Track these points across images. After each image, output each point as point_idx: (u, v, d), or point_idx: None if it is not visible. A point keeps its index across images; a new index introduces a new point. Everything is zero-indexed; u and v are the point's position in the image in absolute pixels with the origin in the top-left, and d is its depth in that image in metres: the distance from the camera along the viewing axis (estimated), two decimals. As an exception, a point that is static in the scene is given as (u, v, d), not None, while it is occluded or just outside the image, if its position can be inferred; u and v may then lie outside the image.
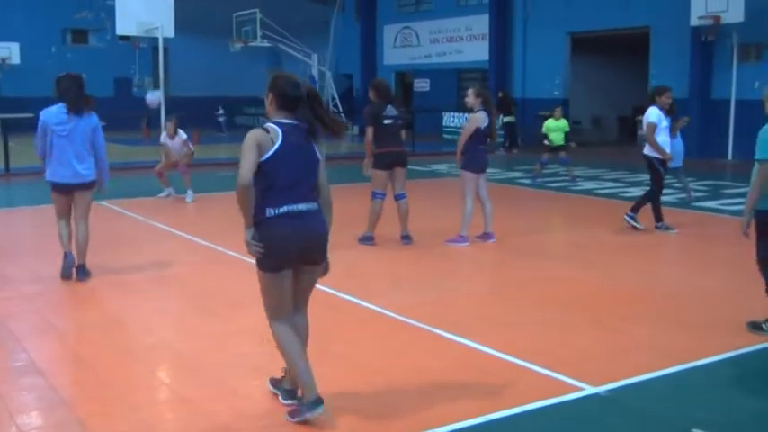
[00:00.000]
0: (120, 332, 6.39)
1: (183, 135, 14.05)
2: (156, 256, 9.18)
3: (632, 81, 27.08)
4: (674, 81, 22.51)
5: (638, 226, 10.63)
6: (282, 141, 4.37)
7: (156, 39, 20.52)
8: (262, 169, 4.32)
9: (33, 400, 5.01)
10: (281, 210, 4.37)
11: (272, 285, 4.49)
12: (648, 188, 10.93)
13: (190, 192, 13.64)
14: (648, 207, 10.68)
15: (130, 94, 33.14)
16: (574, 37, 26.39)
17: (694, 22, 21.10)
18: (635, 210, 10.78)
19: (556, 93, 26.74)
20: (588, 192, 15.15)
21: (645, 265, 9.01)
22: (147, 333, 6.39)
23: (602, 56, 27.85)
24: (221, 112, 20.82)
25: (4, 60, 30.58)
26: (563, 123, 16.69)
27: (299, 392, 4.58)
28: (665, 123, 10.55)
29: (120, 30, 20.88)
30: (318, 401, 4.41)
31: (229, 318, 6.75)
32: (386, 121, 9.55)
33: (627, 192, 14.99)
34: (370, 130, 9.57)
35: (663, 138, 10.53)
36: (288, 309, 4.56)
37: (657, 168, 10.57)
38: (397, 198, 9.82)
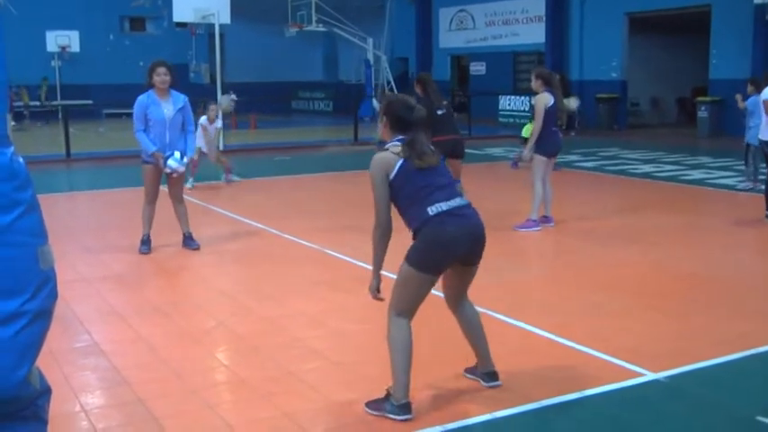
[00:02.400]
0: (179, 315, 6.48)
1: (219, 123, 14.15)
2: (212, 239, 9.27)
3: (692, 62, 26.57)
4: (735, 62, 22.10)
5: None
6: (408, 156, 4.37)
7: (213, 25, 20.67)
8: (398, 183, 4.34)
9: (96, 380, 5.10)
10: (443, 207, 4.30)
11: (419, 286, 4.39)
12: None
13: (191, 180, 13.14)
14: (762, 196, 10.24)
15: (187, 79, 33.50)
16: (631, 17, 25.94)
17: (758, 0, 20.58)
18: None
19: (613, 74, 26.37)
20: (647, 175, 14.92)
21: (705, 250, 8.85)
22: (206, 316, 6.46)
23: (660, 36, 27.34)
24: (233, 96, 20.87)
25: (63, 48, 31.08)
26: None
27: (394, 392, 4.42)
28: None
29: (177, 17, 21.08)
30: (407, 408, 4.35)
31: (284, 301, 6.79)
32: (439, 111, 9.54)
33: (687, 174, 14.74)
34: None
35: None
36: (416, 311, 4.51)
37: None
38: None
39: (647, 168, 15.86)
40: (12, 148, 2.29)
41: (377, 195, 4.39)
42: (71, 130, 19.01)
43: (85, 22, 31.99)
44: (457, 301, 4.80)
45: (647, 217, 10.64)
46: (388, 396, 4.42)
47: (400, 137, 4.45)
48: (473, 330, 4.84)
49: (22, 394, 2.35)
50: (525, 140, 15.23)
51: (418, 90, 9.82)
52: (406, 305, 4.44)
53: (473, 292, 6.84)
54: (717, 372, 5.08)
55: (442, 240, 4.28)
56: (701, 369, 5.09)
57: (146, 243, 8.58)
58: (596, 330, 5.87)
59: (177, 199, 8.74)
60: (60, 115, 19.05)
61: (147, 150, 8.29)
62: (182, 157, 8.27)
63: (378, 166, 4.38)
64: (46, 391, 2.54)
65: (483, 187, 13.48)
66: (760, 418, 4.31)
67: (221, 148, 15.01)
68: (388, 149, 4.42)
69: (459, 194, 4.48)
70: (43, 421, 2.52)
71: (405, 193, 4.34)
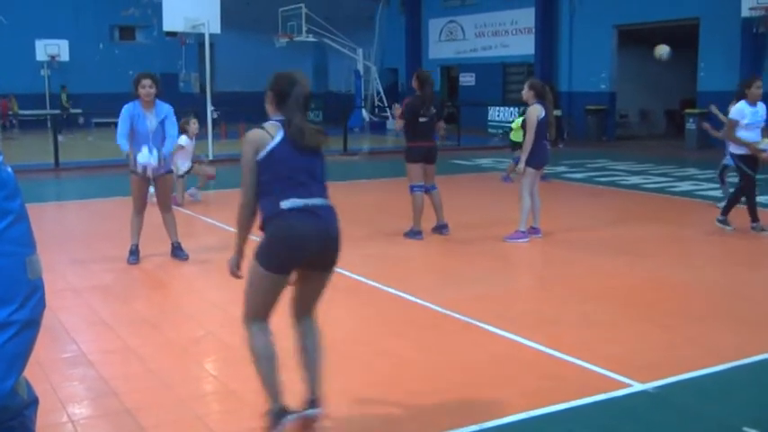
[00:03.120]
0: (167, 325, 6.46)
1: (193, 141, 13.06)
2: (201, 249, 9.26)
3: (680, 74, 26.70)
4: (723, 74, 22.22)
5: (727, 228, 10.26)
6: (283, 137, 4.10)
7: (203, 34, 20.67)
8: (263, 166, 4.07)
9: (83, 390, 5.09)
10: (298, 203, 4.05)
11: (268, 285, 4.12)
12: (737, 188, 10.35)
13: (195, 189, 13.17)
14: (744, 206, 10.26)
15: (177, 89, 33.44)
16: (620, 29, 26.09)
17: (745, 13, 20.74)
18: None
19: (602, 86, 26.50)
20: (635, 186, 14.98)
21: (692, 261, 8.89)
22: (195, 326, 6.45)
23: (649, 48, 27.30)
24: (213, 108, 20.86)
25: (53, 57, 31.02)
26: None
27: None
28: (747, 120, 9.86)
29: (167, 26, 21.06)
30: (283, 411, 4.15)
31: (275, 311, 6.77)
32: (421, 119, 9.64)
33: (675, 186, 14.81)
34: (401, 123, 9.85)
35: (747, 135, 9.91)
36: (272, 312, 4.22)
37: (743, 169, 10.01)
38: (429, 190, 9.88)
39: (635, 180, 15.92)
40: (0, 158, 2.29)
41: (243, 172, 4.12)
42: (60, 139, 18.95)
43: (75, 31, 31.94)
44: (301, 311, 4.43)
45: (636, 228, 10.68)
46: (267, 411, 4.22)
47: (280, 116, 4.17)
48: (307, 351, 4.42)
49: (10, 404, 2.35)
50: (515, 144, 15.38)
51: (415, 85, 9.87)
52: (257, 307, 4.17)
53: (461, 302, 6.87)
54: (704, 382, 5.10)
55: (287, 236, 4.03)
56: (689, 380, 5.10)
57: (134, 253, 8.57)
58: (584, 341, 5.89)
59: (165, 208, 8.73)
60: (49, 124, 18.97)
61: (123, 150, 8.32)
62: (150, 152, 8.23)
63: (249, 142, 4.11)
64: (33, 402, 2.54)
65: (472, 198, 13.52)
66: (747, 429, 4.33)
67: (210, 157, 14.89)
68: (264, 127, 4.16)
69: (324, 195, 4.21)
70: None
71: (265, 179, 4.07)
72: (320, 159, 4.26)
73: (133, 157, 8.25)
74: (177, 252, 8.75)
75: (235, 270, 4.35)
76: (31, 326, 2.33)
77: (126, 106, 8.29)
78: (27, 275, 2.30)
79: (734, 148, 10.18)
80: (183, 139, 12.38)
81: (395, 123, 10.26)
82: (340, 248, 4.27)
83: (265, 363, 4.16)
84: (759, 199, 10.36)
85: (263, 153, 4.06)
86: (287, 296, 4.31)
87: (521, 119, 15.65)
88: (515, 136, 15.79)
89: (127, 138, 8.27)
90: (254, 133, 4.13)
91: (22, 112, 29.60)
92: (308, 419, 4.32)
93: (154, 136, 8.28)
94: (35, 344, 2.37)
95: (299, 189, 4.08)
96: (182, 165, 12.41)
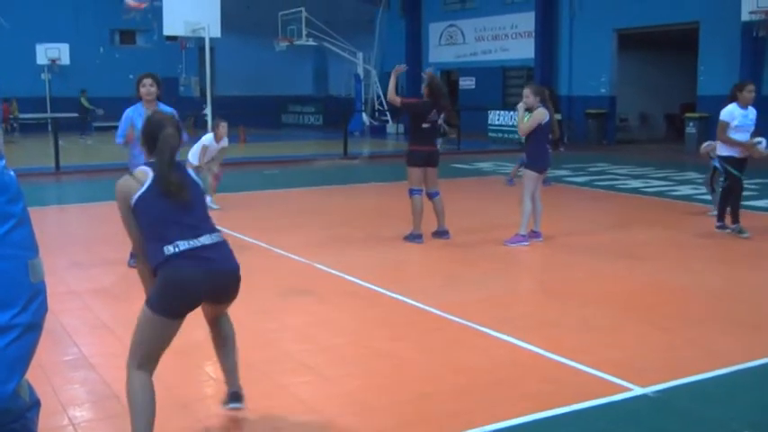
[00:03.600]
0: (168, 328, 6.45)
1: (226, 141, 12.96)
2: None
3: (680, 78, 26.76)
4: (723, 78, 22.21)
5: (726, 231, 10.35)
6: (152, 182, 3.92)
7: (203, 38, 20.71)
8: (138, 213, 3.91)
9: (85, 393, 5.09)
10: (183, 246, 3.86)
11: (159, 331, 3.95)
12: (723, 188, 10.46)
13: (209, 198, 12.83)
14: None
15: (177, 93, 33.47)
16: (620, 33, 26.13)
17: (745, 17, 20.76)
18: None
19: (602, 90, 26.53)
20: (635, 190, 14.99)
21: (692, 264, 8.89)
22: (195, 329, 6.43)
23: (649, 52, 27.53)
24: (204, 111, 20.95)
25: (53, 61, 31.09)
26: None
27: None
28: (737, 122, 9.95)
29: (167, 30, 21.11)
30: None
31: (276, 315, 6.79)
32: (424, 125, 9.70)
33: (675, 190, 14.82)
34: (398, 99, 10.09)
35: (736, 137, 10.03)
36: (157, 361, 4.05)
37: (729, 171, 10.14)
38: (432, 196, 9.89)
39: (635, 184, 15.94)
40: (3, 162, 2.30)
41: (125, 225, 4.01)
42: (60, 142, 18.98)
43: (75, 35, 32.00)
44: (213, 319, 4.52)
45: (636, 232, 10.69)
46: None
47: (151, 160, 4.05)
48: (224, 346, 4.52)
49: (12, 407, 2.35)
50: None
51: (425, 92, 9.93)
52: (145, 352, 3.97)
53: (461, 306, 6.88)
54: (705, 386, 5.10)
55: (177, 284, 3.87)
56: (690, 383, 5.10)
57: (135, 256, 8.54)
58: (584, 344, 5.89)
59: None
60: (50, 128, 19.00)
61: (118, 143, 8.35)
62: None
63: (118, 193, 3.97)
64: (35, 404, 2.55)
65: (472, 201, 13.53)
66: (747, 433, 4.34)
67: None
68: (132, 174, 4.03)
69: (212, 230, 4.05)
70: (32, 434, 2.52)
71: (144, 223, 3.91)
72: (195, 196, 4.09)
73: (132, 161, 8.23)
74: None
75: None
76: (33, 329, 2.34)
77: (126, 111, 8.30)
78: (29, 279, 2.31)
79: (721, 150, 10.27)
80: (208, 138, 12.59)
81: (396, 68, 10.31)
82: (239, 280, 4.13)
83: (141, 417, 3.91)
84: (759, 203, 10.38)
85: (134, 199, 3.90)
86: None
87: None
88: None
89: (123, 136, 8.27)
90: (121, 184, 3.98)
91: (22, 115, 29.63)
92: (233, 412, 4.46)
93: None
94: (37, 347, 2.38)
95: (183, 231, 3.91)
96: (192, 158, 12.34)
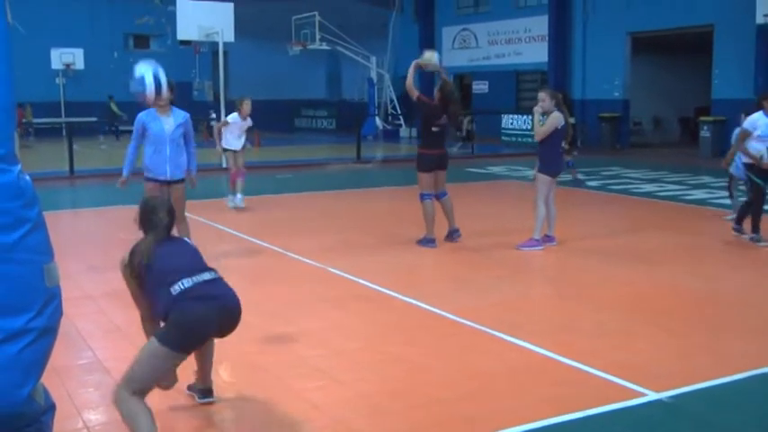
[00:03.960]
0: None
1: (250, 121, 13.46)
2: (215, 257, 9.26)
3: (694, 81, 26.66)
4: (738, 81, 22.16)
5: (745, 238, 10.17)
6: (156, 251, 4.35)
7: (216, 43, 20.76)
8: (142, 280, 4.31)
9: (99, 397, 5.10)
10: (188, 283, 4.13)
11: (163, 362, 4.09)
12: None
13: (240, 195, 13.21)
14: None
15: (191, 97, 33.57)
16: (634, 37, 26.05)
17: (760, 19, 20.63)
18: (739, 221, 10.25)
19: (616, 94, 26.44)
20: (649, 194, 14.94)
21: (706, 270, 8.85)
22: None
23: (663, 56, 27.45)
24: (213, 115, 21.03)
25: (68, 66, 31.23)
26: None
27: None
28: (759, 132, 9.73)
29: (181, 35, 21.15)
30: None
31: (290, 319, 6.80)
32: (434, 129, 9.74)
33: (689, 194, 14.76)
34: (416, 92, 10.04)
35: (757, 146, 9.80)
36: (148, 393, 4.12)
37: (752, 179, 9.91)
38: (440, 197, 9.91)
39: (649, 188, 15.88)
40: (19, 166, 2.31)
41: (132, 296, 4.50)
42: (75, 147, 19.06)
43: (90, 39, 32.13)
44: None
45: (650, 236, 10.65)
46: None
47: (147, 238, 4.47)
48: (205, 351, 4.76)
49: (27, 411, 2.37)
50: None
51: (437, 96, 9.92)
52: (143, 383, 4.05)
53: (475, 310, 6.88)
54: (719, 392, 5.07)
55: (190, 323, 4.06)
56: (704, 389, 5.08)
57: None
58: (598, 349, 5.87)
59: (179, 218, 8.72)
60: (65, 132, 19.11)
61: (123, 171, 8.51)
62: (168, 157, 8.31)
63: (123, 270, 4.43)
64: (50, 408, 2.56)
65: (485, 205, 13.51)
66: (762, 439, 4.31)
67: (224, 165, 14.80)
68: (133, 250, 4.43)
69: (209, 269, 4.36)
70: (47, 438, 2.53)
71: (150, 282, 4.26)
72: (188, 252, 4.48)
73: (145, 162, 8.27)
74: None
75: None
76: (49, 333, 2.35)
77: (139, 115, 8.31)
78: (44, 283, 2.32)
79: (745, 158, 10.12)
80: (232, 116, 13.21)
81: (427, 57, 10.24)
82: (240, 314, 4.33)
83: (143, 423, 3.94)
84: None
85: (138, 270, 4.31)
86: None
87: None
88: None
89: (135, 141, 8.33)
90: (124, 263, 4.41)
91: (37, 120, 29.77)
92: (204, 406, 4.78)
93: (171, 140, 8.22)
94: (52, 351, 2.39)
95: (184, 274, 4.20)
96: (232, 140, 13.17)
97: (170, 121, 8.27)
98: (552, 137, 9.52)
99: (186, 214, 8.93)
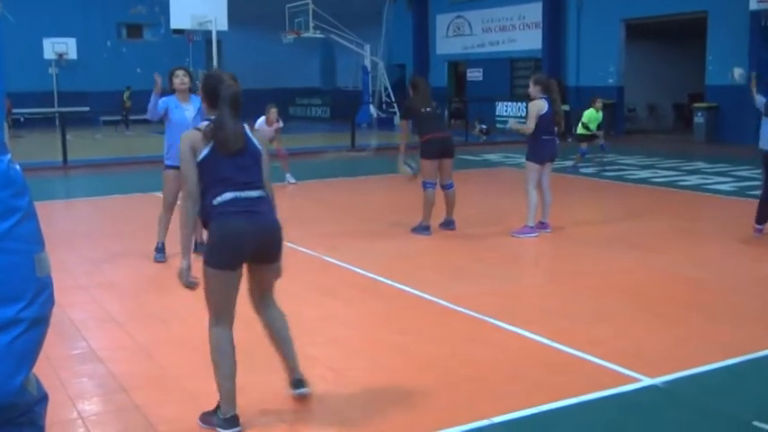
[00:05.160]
0: (176, 322, 6.47)
1: (280, 123, 14.34)
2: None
3: (688, 68, 26.64)
4: (731, 67, 22.08)
5: None
6: (213, 145, 4.22)
7: (210, 32, 20.72)
8: (201, 169, 4.21)
9: (93, 386, 5.10)
10: (228, 196, 4.16)
11: (220, 284, 4.21)
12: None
13: (289, 175, 14.53)
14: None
15: (185, 86, 33.47)
16: (628, 23, 26.01)
17: (753, 6, 20.64)
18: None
19: (610, 80, 26.41)
20: (643, 180, 14.94)
21: (701, 255, 8.86)
22: (204, 323, 6.44)
23: (657, 42, 27.42)
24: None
25: (61, 56, 31.13)
26: (601, 114, 16.73)
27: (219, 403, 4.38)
28: None
29: (175, 23, 21.13)
30: (234, 421, 4.25)
31: (284, 308, 6.77)
32: (424, 110, 9.69)
33: (684, 180, 14.77)
34: (404, 123, 9.97)
35: None
36: (233, 313, 4.33)
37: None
38: (445, 188, 9.84)
39: (644, 174, 15.89)
40: (9, 156, 2.30)
41: (183, 168, 4.25)
42: (68, 136, 19.01)
43: (83, 29, 32.02)
44: (260, 302, 4.65)
45: (644, 222, 10.65)
46: (217, 409, 4.35)
47: (212, 116, 4.31)
48: (278, 336, 4.67)
49: (20, 401, 2.36)
50: (581, 138, 16.80)
51: (411, 92, 9.95)
52: (218, 308, 4.28)
53: (470, 297, 6.87)
54: (714, 377, 5.08)
55: (226, 234, 4.17)
56: (699, 374, 5.09)
57: (160, 251, 8.47)
58: (594, 336, 5.88)
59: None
60: (57, 122, 19.05)
61: (153, 105, 8.32)
62: None
63: (185, 141, 4.24)
64: (43, 398, 2.55)
65: (480, 193, 13.51)
66: (757, 424, 4.32)
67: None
68: (200, 129, 4.29)
69: (259, 188, 4.31)
70: (40, 428, 2.53)
71: (204, 180, 4.21)
72: (252, 157, 4.35)
73: (167, 149, 8.27)
74: (198, 248, 8.74)
75: (188, 279, 4.31)
76: (40, 323, 2.34)
77: (164, 97, 8.39)
78: (35, 273, 2.31)
79: (764, 143, 9.54)
80: (259, 122, 13.90)
81: (399, 167, 10.19)
82: (282, 239, 4.44)
83: (223, 366, 4.27)
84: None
85: (199, 157, 4.20)
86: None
87: (587, 113, 15.99)
88: (581, 129, 16.14)
89: (155, 102, 8.29)
90: (189, 135, 4.29)
91: (30, 110, 29.59)
92: (299, 398, 4.61)
93: (192, 126, 8.19)
94: (44, 341, 2.38)
95: (233, 186, 4.20)
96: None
97: (190, 108, 8.36)
98: (537, 124, 9.45)
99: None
